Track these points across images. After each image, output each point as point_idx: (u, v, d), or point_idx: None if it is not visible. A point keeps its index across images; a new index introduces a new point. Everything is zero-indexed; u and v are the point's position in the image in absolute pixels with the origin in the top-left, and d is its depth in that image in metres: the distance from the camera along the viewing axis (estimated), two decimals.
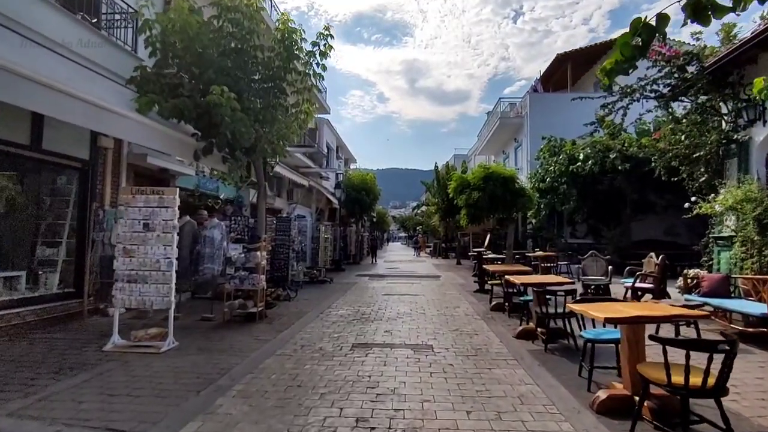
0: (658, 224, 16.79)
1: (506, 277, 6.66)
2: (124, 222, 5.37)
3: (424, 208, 42.16)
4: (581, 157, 13.83)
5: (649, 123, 15.07)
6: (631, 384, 3.40)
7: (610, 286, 8.86)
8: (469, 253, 18.94)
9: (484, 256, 11.63)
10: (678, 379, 2.69)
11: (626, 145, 14.14)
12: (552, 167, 14.92)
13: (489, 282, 9.15)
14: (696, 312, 4.21)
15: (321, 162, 21.38)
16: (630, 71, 2.79)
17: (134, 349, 5.18)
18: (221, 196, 11.73)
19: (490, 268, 8.47)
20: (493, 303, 8.59)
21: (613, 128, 14.85)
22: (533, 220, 15.07)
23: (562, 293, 5.37)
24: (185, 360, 4.92)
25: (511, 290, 7.88)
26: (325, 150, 23.66)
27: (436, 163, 24.01)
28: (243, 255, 7.06)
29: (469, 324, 7.20)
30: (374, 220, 45.78)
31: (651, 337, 2.80)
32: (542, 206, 14.63)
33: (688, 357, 2.64)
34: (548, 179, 14.89)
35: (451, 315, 8.04)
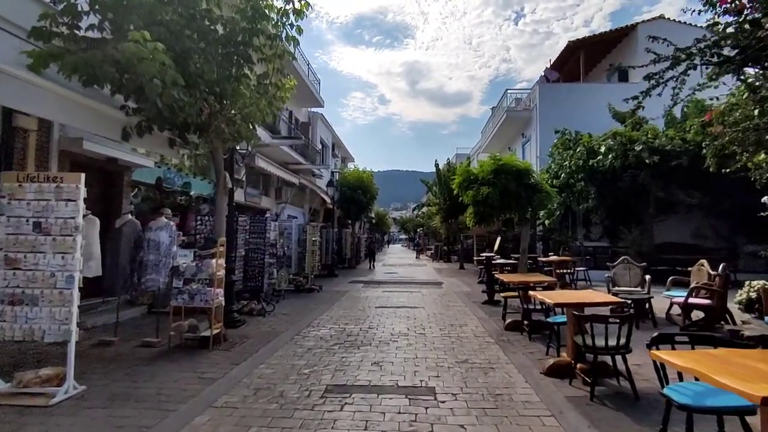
0: (681, 225, 15.26)
1: (531, 293, 5.14)
2: (6, 220, 3.88)
3: (425, 209, 40.64)
4: (602, 150, 12.30)
5: (685, 101, 13.46)
6: None
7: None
8: (475, 258, 17.39)
9: (493, 262, 10.10)
10: None
11: (650, 136, 12.63)
12: (567, 162, 13.40)
13: (501, 294, 7.64)
14: None
15: (314, 158, 19.89)
16: None
17: (14, 400, 3.68)
18: (192, 193, 10.26)
19: (505, 278, 6.96)
20: (508, 321, 7.07)
21: (636, 119, 13.36)
22: (546, 221, 13.57)
23: (615, 321, 3.86)
24: (79, 419, 3.41)
25: (530, 306, 6.37)
26: (319, 146, 22.19)
27: (436, 160, 22.49)
28: (194, 263, 5.56)
29: (481, 351, 5.67)
30: (374, 221, 44.28)
31: None
32: (556, 205, 13.11)
33: None
34: (563, 175, 13.38)
35: (457, 337, 6.52)
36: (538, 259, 13.65)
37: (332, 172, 23.51)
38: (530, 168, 9.07)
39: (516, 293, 7.48)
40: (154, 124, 5.08)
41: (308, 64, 18.46)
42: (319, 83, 20.29)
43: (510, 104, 21.15)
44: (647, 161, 11.64)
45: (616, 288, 7.80)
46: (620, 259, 8.06)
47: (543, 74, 20.11)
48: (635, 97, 5.93)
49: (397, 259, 33.20)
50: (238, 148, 7.85)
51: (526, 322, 6.63)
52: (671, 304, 7.04)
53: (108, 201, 7.92)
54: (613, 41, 18.98)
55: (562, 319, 5.04)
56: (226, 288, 6.97)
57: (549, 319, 5.27)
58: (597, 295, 4.75)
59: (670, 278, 7.42)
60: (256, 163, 12.56)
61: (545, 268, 13.18)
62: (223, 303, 5.82)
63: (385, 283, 14.18)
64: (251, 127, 6.49)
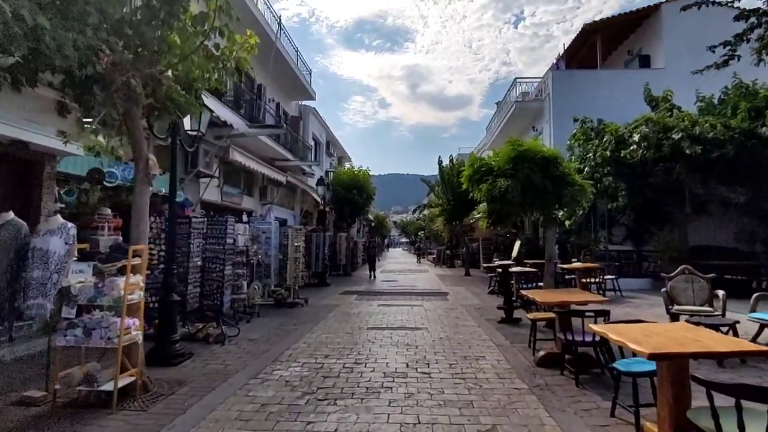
0: (713, 227, 13.48)
1: (594, 327, 3.34)
2: None
3: (426, 211, 38.87)
4: (634, 138, 10.54)
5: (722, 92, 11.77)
6: None
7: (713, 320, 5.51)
8: (484, 265, 15.61)
9: (511, 271, 8.34)
10: None
11: (688, 123, 10.89)
12: (591, 154, 11.67)
13: (529, 315, 5.87)
14: None
15: (305, 155, 18.18)
16: None
17: None
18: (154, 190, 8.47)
19: (538, 296, 5.18)
20: (541, 353, 5.30)
21: (669, 105, 11.66)
22: (567, 221, 11.84)
23: None
24: None
25: (572, 338, 4.59)
26: (312, 143, 20.48)
27: (440, 157, 20.74)
28: (92, 283, 3.81)
29: (513, 407, 3.91)
30: (372, 224, 42.53)
31: None
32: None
33: None
34: (586, 169, 11.64)
35: (474, 378, 4.76)
36: (558, 265, 11.88)
37: (326, 172, 21.80)
38: (558, 156, 7.33)
39: (551, 315, 5.73)
40: (20, 74, 3.35)
41: (297, 51, 16.79)
42: (310, 74, 18.62)
43: (518, 98, 19.47)
44: (687, 151, 9.90)
45: (677, 307, 6.04)
46: (679, 268, 6.29)
47: (554, 62, 18.43)
48: (726, 43, 4.19)
49: (397, 264, 31.41)
50: (188, 129, 6.13)
51: (567, 356, 4.89)
52: (760, 329, 5.28)
53: (22, 199, 6.18)
54: (632, 24, 17.29)
55: (647, 366, 3.28)
56: (166, 311, 5.27)
57: (618, 366, 3.49)
58: (710, 335, 2.96)
59: (755, 295, 5.66)
60: (231, 156, 10.87)
61: (566, 277, 11.44)
62: (141, 339, 4.06)
63: (382, 294, 12.41)
64: (192, 93, 4.79)
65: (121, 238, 6.79)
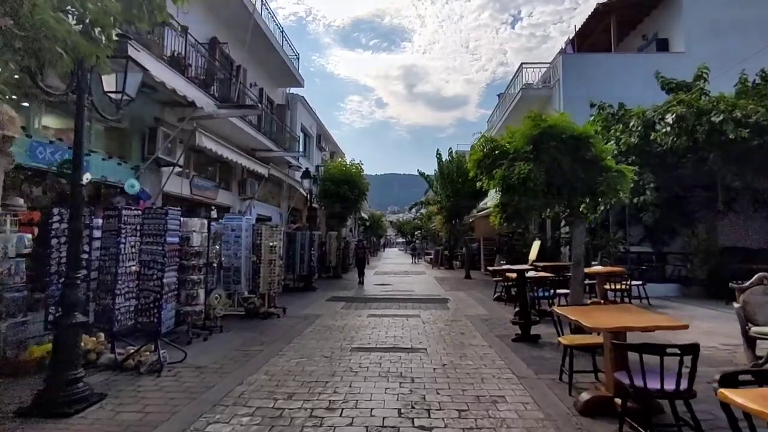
0: (743, 225, 12.09)
1: (739, 401, 1.84)
2: None
3: (423, 210, 37.40)
4: (668, 120, 9.08)
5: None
6: None
7: None
8: (490, 269, 14.15)
9: (527, 277, 6.88)
10: None
11: (727, 105, 9.46)
12: (613, 141, 10.23)
13: (563, 340, 4.38)
14: None
15: (292, 146, 16.65)
16: None
17: None
18: (89, 178, 6.94)
19: (585, 319, 3.66)
20: (584, 396, 3.82)
21: (701, 86, 10.24)
22: (589, 218, 10.40)
23: None
24: None
25: (644, 384, 3.10)
26: (300, 134, 18.94)
27: (438, 150, 19.18)
28: None
29: None
30: (368, 223, 41.01)
31: None
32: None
33: None
34: (608, 159, 10.20)
35: None
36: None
37: (317, 167, 20.27)
38: (592, 134, 5.91)
39: (590, 339, 4.27)
40: None
41: (282, 32, 15.25)
42: (298, 58, 17.06)
43: (522, 88, 18.02)
44: (731, 135, 8.48)
45: (755, 329, 4.58)
46: (756, 276, 4.83)
47: (563, 47, 16.99)
48: None
49: (392, 265, 29.87)
50: (110, 90, 4.59)
51: (624, 403, 3.42)
52: None
53: None
54: (647, 6, 15.87)
55: None
56: (62, 339, 3.78)
57: None
58: None
59: None
60: (198, 141, 9.32)
61: (584, 282, 10.00)
62: None
63: (373, 301, 10.90)
64: (92, 27, 3.29)
65: (30, 235, 5.30)
